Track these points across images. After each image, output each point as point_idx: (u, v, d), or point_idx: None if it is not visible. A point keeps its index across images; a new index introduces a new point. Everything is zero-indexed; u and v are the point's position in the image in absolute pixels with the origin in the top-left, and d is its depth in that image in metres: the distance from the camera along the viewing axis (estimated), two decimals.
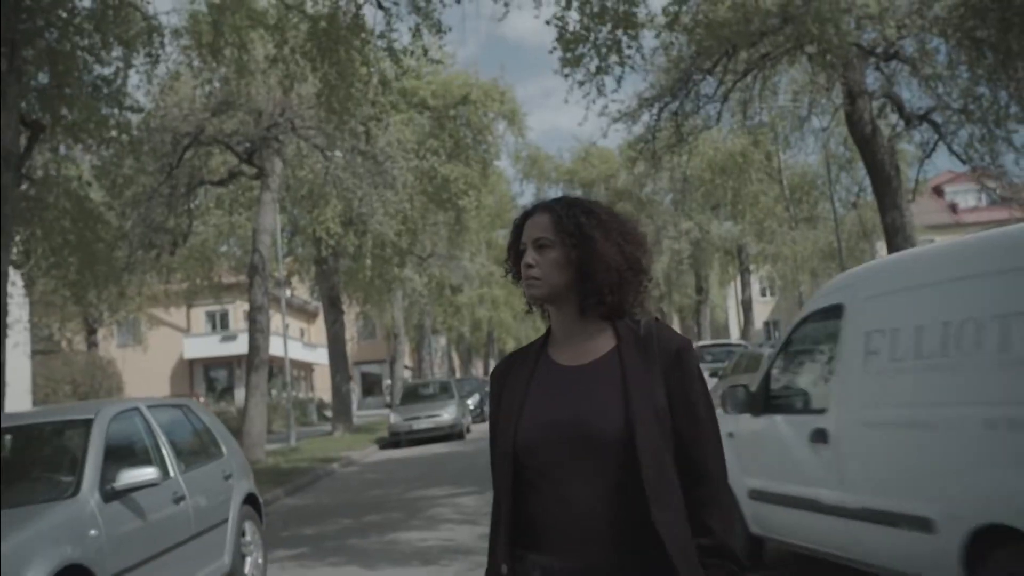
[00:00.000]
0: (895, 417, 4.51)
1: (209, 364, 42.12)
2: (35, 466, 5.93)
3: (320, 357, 46.77)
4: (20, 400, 23.22)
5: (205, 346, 41.30)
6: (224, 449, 7.25)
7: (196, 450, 6.87)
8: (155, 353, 36.49)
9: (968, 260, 4.33)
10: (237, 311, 41.65)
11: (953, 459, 4.14)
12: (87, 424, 5.66)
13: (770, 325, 51.66)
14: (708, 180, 27.87)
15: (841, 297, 5.17)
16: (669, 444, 1.91)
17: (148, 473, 5.51)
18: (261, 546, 7.37)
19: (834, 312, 5.16)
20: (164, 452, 6.17)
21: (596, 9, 12.87)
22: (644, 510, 1.85)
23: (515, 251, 2.05)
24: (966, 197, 41.79)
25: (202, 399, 33.45)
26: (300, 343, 45.96)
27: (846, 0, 14.23)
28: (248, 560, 7.01)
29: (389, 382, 52.95)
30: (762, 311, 50.78)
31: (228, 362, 41.72)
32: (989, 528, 3.84)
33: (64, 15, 12.36)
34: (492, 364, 60.64)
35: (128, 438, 5.99)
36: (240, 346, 40.39)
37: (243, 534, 7.00)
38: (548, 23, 13.00)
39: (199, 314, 42.08)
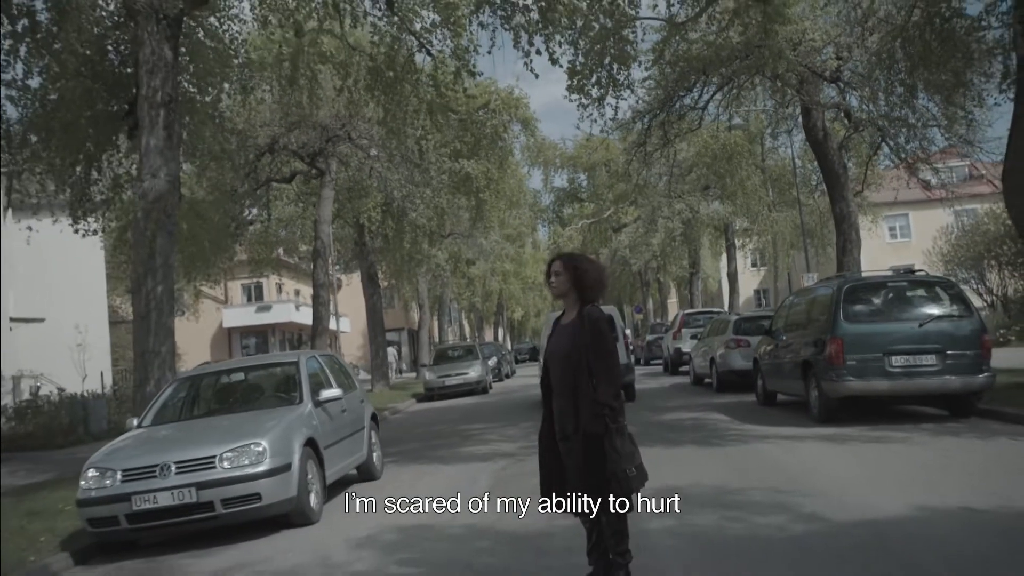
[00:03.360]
0: None
1: (245, 332, 45.82)
2: (273, 387, 9.77)
3: (344, 325, 50.52)
4: (101, 362, 26.94)
5: (242, 316, 44.93)
6: (357, 384, 11.10)
7: (344, 382, 10.64)
8: (199, 322, 40.17)
9: None
10: (271, 284, 45.36)
11: None
12: (296, 363, 9.50)
13: (759, 293, 55.68)
14: (702, 163, 31.27)
15: None
16: (586, 359, 4.50)
17: (336, 392, 9.35)
18: (380, 447, 11.21)
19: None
20: (332, 381, 9.98)
21: (596, 52, 16.42)
22: (575, 385, 4.57)
23: (547, 275, 4.84)
24: (939, 175, 45.01)
25: None
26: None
27: (797, 34, 17.80)
28: (375, 455, 10.84)
29: (404, 349, 56.67)
30: (752, 281, 54.77)
31: (263, 330, 45.49)
32: None
33: (184, 62, 16.04)
34: (502, 332, 64.60)
35: (315, 372, 9.80)
36: (273, 316, 44.37)
37: (371, 439, 10.82)
38: (557, 63, 16.55)
39: (236, 286, 45.68)
